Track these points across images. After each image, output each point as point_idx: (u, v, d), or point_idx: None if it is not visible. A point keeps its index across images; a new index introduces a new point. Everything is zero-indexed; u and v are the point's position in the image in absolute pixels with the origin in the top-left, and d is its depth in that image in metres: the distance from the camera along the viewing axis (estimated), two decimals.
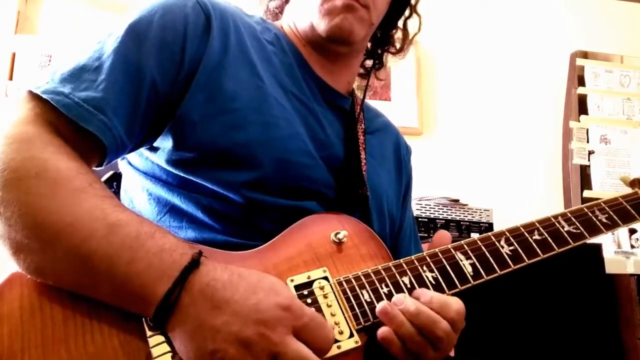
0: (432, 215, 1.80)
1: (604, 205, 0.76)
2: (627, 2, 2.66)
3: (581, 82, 2.44)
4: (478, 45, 2.45)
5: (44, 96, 0.58)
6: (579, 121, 2.38)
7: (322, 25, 0.76)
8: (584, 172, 2.33)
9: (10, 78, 1.91)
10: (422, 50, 2.37)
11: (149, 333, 0.52)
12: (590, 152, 2.35)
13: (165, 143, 0.67)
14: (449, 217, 1.81)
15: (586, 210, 0.75)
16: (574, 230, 0.72)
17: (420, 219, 1.77)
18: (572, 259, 1.55)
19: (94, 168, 0.63)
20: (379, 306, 0.59)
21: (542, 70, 2.47)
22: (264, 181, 0.68)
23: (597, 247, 1.59)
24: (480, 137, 2.34)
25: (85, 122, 0.58)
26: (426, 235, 1.76)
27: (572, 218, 0.73)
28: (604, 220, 0.74)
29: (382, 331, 0.58)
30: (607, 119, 2.41)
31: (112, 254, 0.51)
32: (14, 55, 1.93)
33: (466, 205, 1.86)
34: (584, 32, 2.56)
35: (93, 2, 2.04)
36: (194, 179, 0.67)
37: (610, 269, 1.58)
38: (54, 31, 2.01)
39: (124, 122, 0.62)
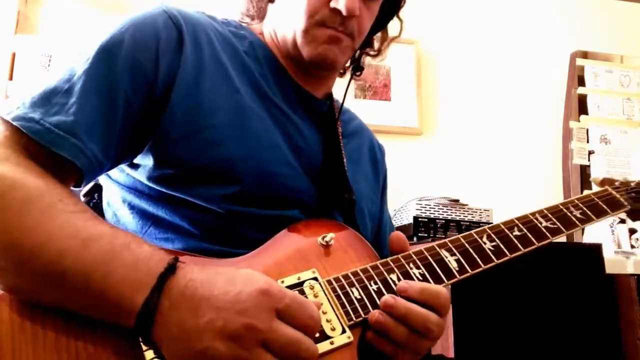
0: (432, 215, 1.80)
1: (577, 202, 0.81)
2: (627, 2, 2.66)
3: (581, 82, 2.44)
4: (478, 45, 2.45)
5: (14, 123, 0.57)
6: (579, 121, 2.38)
7: (305, 51, 0.76)
8: (584, 172, 2.33)
9: (10, 78, 1.91)
10: (422, 50, 2.37)
11: (144, 348, 0.51)
12: (590, 152, 2.35)
13: (145, 161, 0.67)
14: (449, 217, 1.81)
15: (561, 207, 0.80)
16: (551, 226, 0.76)
17: (420, 219, 1.77)
18: (572, 259, 1.55)
19: (72, 188, 0.62)
20: (372, 315, 0.61)
21: (542, 70, 2.47)
22: (245, 194, 0.68)
23: (597, 247, 1.59)
24: (480, 137, 2.34)
25: (58, 148, 0.57)
26: (426, 235, 1.76)
27: (549, 214, 0.78)
28: (579, 215, 0.79)
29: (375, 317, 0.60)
30: (607, 119, 2.41)
31: (86, 270, 0.50)
32: (14, 55, 1.93)
33: (466, 205, 1.86)
34: (584, 32, 2.56)
35: (93, 2, 2.04)
36: (175, 194, 0.67)
37: (610, 269, 1.57)
38: (54, 31, 2.01)
39: (99, 142, 0.61)
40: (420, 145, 2.27)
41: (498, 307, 1.42)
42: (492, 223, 1.81)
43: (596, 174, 2.32)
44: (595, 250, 1.58)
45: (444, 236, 1.76)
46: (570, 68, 2.46)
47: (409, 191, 1.96)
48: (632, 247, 2.01)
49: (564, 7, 2.58)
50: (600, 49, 2.52)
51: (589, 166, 2.34)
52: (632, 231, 2.04)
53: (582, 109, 2.41)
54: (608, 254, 1.66)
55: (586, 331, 1.49)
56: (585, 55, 2.49)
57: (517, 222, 0.75)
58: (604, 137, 2.38)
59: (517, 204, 2.18)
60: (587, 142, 2.36)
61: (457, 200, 1.87)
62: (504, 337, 1.41)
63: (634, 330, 1.53)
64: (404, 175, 2.15)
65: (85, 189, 0.80)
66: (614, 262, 1.63)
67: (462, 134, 2.33)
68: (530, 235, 0.74)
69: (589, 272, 1.55)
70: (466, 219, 1.82)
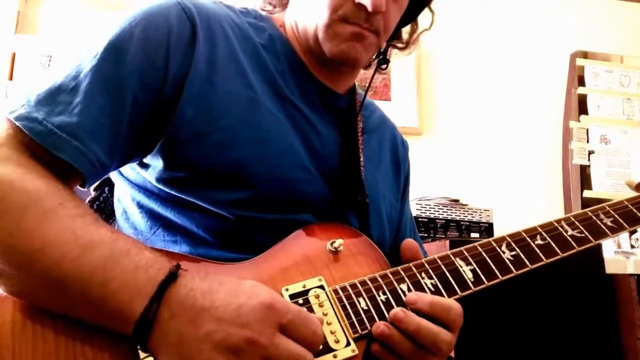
0: (432, 215, 1.80)
1: (608, 208, 0.74)
2: (627, 2, 2.66)
3: (581, 82, 2.44)
4: (478, 45, 2.45)
5: (17, 123, 0.55)
6: (579, 121, 2.38)
7: (326, 47, 0.72)
8: (584, 172, 2.33)
9: (10, 78, 1.91)
10: (422, 50, 2.37)
11: (142, 355, 0.50)
12: (590, 152, 2.35)
13: (155, 162, 0.65)
14: (449, 217, 1.81)
15: (590, 214, 0.73)
16: (578, 235, 0.70)
17: (420, 219, 1.77)
18: (572, 259, 1.54)
19: (78, 188, 0.61)
20: (377, 327, 0.58)
21: (542, 70, 2.47)
22: (257, 199, 0.66)
23: (597, 247, 1.59)
24: (480, 137, 2.34)
25: (59, 151, 0.56)
26: (426, 235, 1.76)
27: (576, 222, 0.72)
28: (609, 223, 0.73)
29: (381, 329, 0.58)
30: (607, 119, 2.41)
31: (85, 277, 0.49)
32: (14, 55, 1.93)
33: (466, 205, 1.86)
34: (584, 32, 2.56)
35: (93, 2, 2.04)
36: (185, 197, 0.65)
37: (610, 269, 1.57)
38: (54, 31, 2.01)
39: (104, 144, 0.59)
40: (420, 145, 2.27)
41: (498, 306, 1.42)
42: (492, 223, 1.83)
43: (596, 174, 2.32)
44: (595, 250, 1.58)
45: (444, 236, 1.77)
46: (570, 68, 2.46)
47: (409, 191, 1.96)
48: (632, 247, 2.01)
49: (564, 7, 2.58)
50: (600, 49, 2.52)
51: (589, 166, 2.34)
52: (632, 231, 2.04)
53: (582, 109, 2.40)
54: (608, 254, 1.66)
55: (586, 331, 1.49)
56: (585, 55, 2.49)
57: (540, 229, 0.70)
58: (604, 137, 2.37)
59: (517, 204, 2.18)
60: (587, 142, 2.36)
61: (457, 200, 1.87)
62: (504, 336, 1.41)
63: (633, 330, 1.53)
64: None
65: (95, 184, 0.78)
66: (614, 262, 1.63)
67: (462, 134, 2.33)
68: (554, 245, 0.68)
69: (589, 272, 1.55)
70: (466, 219, 1.82)
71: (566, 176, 2.34)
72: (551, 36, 2.52)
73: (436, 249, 1.54)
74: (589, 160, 2.35)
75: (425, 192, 1.92)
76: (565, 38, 2.53)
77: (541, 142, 2.38)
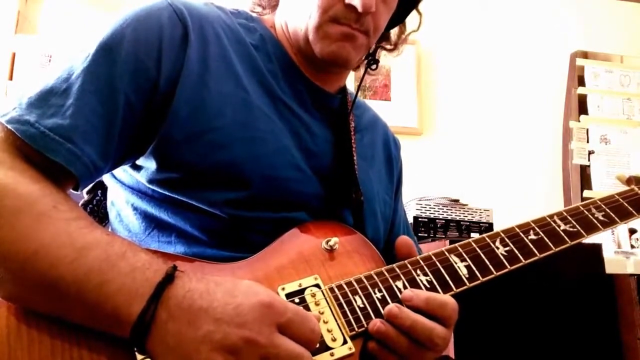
0: (432, 215, 1.80)
1: (600, 203, 0.76)
2: (627, 2, 2.66)
3: (581, 82, 2.44)
4: (478, 45, 2.45)
5: (9, 126, 0.55)
6: (579, 121, 2.38)
7: (317, 47, 0.72)
8: (584, 172, 2.33)
9: (10, 78, 1.91)
10: (422, 50, 2.37)
11: (139, 357, 0.50)
12: (590, 152, 2.35)
13: (148, 163, 0.65)
14: (449, 217, 1.81)
15: (582, 208, 0.74)
16: (571, 229, 0.71)
17: (420, 219, 1.77)
18: (572, 259, 1.55)
19: (71, 191, 0.61)
20: (373, 324, 0.58)
21: (542, 70, 2.47)
22: (251, 198, 0.66)
23: (597, 247, 1.59)
24: (480, 137, 2.34)
25: (52, 153, 0.55)
26: (426, 235, 1.76)
27: (568, 217, 0.72)
28: (601, 217, 0.74)
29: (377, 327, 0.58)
30: (607, 119, 2.41)
31: (81, 279, 0.49)
32: (14, 55, 1.93)
33: (466, 205, 1.86)
34: (584, 32, 2.56)
35: (93, 2, 2.04)
36: (179, 197, 0.65)
37: (610, 269, 1.57)
38: (54, 31, 2.01)
39: (97, 146, 0.59)
40: (420, 145, 2.27)
41: (498, 306, 1.42)
42: (492, 223, 1.83)
43: (596, 174, 2.32)
44: (595, 250, 1.58)
45: (444, 236, 1.76)
46: (570, 68, 2.46)
47: (409, 191, 1.96)
48: (632, 247, 2.01)
49: (564, 7, 2.58)
50: (600, 49, 2.52)
51: (589, 166, 2.34)
52: (632, 231, 2.04)
53: (582, 109, 2.41)
54: (608, 254, 1.66)
55: (586, 331, 1.49)
56: (585, 55, 2.49)
57: (533, 225, 0.71)
58: (604, 137, 2.38)
59: (517, 204, 2.18)
60: (587, 142, 2.36)
61: (457, 200, 1.87)
62: (504, 337, 1.41)
63: (633, 330, 1.53)
64: (404, 175, 2.15)
65: (87, 187, 0.78)
66: (614, 262, 1.63)
67: (462, 134, 2.33)
68: (547, 240, 0.69)
69: (589, 272, 1.55)
70: (466, 219, 1.82)
71: (566, 176, 2.34)
72: (551, 36, 2.52)
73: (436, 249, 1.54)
74: (589, 160, 2.35)
75: (425, 192, 1.92)
76: (565, 38, 2.53)
77: (541, 142, 2.38)
